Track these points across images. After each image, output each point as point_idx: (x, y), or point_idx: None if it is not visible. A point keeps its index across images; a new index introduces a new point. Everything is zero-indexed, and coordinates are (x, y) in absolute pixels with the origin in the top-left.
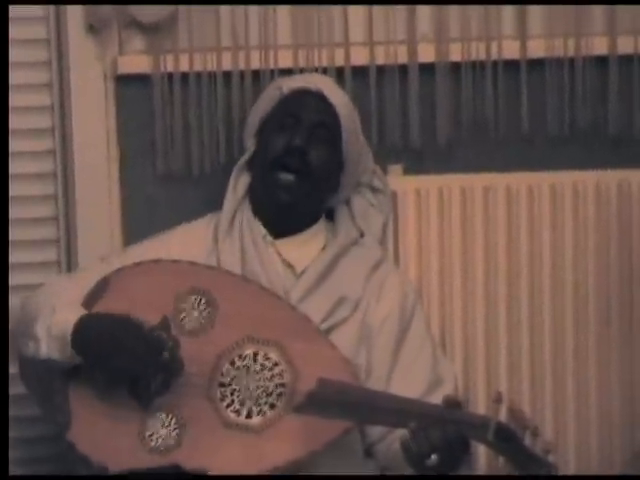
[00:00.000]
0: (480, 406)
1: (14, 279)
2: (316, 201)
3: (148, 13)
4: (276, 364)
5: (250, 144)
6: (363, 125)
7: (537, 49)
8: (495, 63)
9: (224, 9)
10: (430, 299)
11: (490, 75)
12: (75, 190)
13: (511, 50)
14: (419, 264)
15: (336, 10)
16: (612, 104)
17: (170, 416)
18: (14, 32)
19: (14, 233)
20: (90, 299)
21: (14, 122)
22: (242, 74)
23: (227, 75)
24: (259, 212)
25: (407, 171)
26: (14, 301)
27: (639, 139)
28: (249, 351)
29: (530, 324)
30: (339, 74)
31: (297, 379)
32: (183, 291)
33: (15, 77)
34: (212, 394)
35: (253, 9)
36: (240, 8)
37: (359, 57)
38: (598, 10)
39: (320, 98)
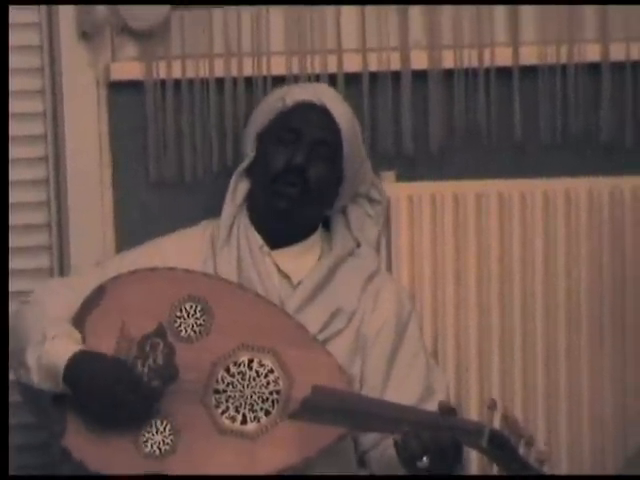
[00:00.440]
0: (473, 412)
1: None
2: (314, 212)
3: (140, 19)
4: (271, 371)
5: (249, 150)
6: None
7: (529, 56)
8: (487, 70)
9: (216, 16)
10: (422, 305)
11: (482, 82)
12: (67, 196)
13: (503, 57)
14: (411, 270)
15: (329, 16)
16: (604, 111)
17: (165, 422)
18: None
19: None
20: (86, 307)
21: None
22: (235, 81)
23: (220, 82)
24: (257, 220)
25: (400, 178)
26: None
27: (631, 146)
28: (244, 358)
29: (523, 330)
30: (332, 81)
31: (292, 386)
32: (179, 299)
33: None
34: (207, 401)
35: (246, 16)
36: (233, 15)
37: (352, 64)
38: (590, 17)
39: (323, 112)
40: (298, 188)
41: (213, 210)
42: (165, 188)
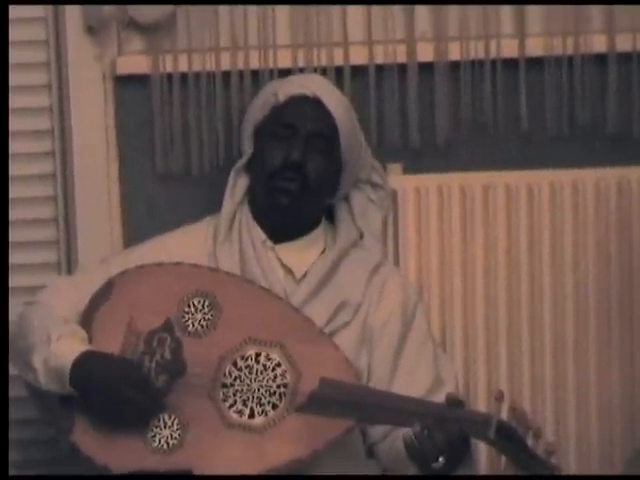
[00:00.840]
0: (481, 405)
1: (14, 280)
2: (315, 205)
3: (147, 14)
4: (278, 364)
5: (247, 147)
6: (362, 124)
7: (536, 47)
8: (494, 62)
9: (223, 9)
10: (430, 297)
11: (489, 74)
12: (75, 191)
13: (510, 49)
14: (419, 262)
15: (335, 10)
16: (611, 102)
17: (173, 417)
18: (13, 34)
19: (14, 234)
20: (95, 302)
21: (13, 124)
22: (241, 74)
23: (226, 75)
24: (258, 216)
25: (407, 170)
26: (14, 302)
27: (638, 136)
28: (251, 352)
29: (530, 322)
30: (338, 74)
31: (299, 379)
32: (187, 294)
33: (14, 78)
34: (215, 395)
35: (252, 9)
36: (239, 8)
37: (358, 56)
38: (596, 8)
39: (316, 104)
40: (297, 183)
41: (220, 204)
42: (172, 182)
